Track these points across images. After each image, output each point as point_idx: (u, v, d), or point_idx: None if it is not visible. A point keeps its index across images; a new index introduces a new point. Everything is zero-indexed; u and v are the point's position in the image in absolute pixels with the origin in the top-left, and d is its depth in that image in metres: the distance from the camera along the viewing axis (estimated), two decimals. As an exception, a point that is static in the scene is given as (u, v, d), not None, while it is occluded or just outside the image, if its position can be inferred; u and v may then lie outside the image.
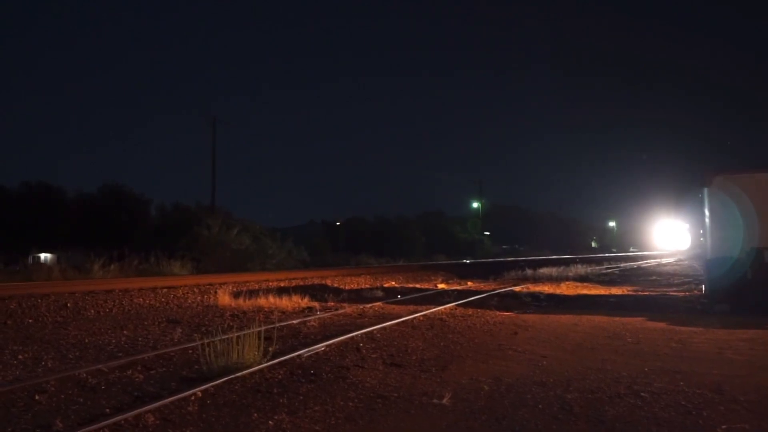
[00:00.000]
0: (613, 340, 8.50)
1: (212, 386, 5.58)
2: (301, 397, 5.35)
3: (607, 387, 5.66)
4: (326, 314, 11.32)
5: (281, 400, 5.26)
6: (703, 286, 13.85)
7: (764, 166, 12.06)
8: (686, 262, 36.73)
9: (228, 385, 5.68)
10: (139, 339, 8.61)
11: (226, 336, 6.64)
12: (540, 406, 5.03)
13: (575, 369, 6.49)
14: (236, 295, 14.17)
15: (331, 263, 36.82)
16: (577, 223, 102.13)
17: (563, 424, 4.56)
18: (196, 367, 6.41)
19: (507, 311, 12.14)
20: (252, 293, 14.31)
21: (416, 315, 11.02)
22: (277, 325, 9.14)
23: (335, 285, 19.45)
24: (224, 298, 13.58)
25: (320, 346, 7.67)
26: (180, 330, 9.46)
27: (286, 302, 12.99)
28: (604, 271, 29.17)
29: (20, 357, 7.18)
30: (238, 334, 6.54)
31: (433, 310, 11.93)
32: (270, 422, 4.65)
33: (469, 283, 21.43)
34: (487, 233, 70.84)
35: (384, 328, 9.45)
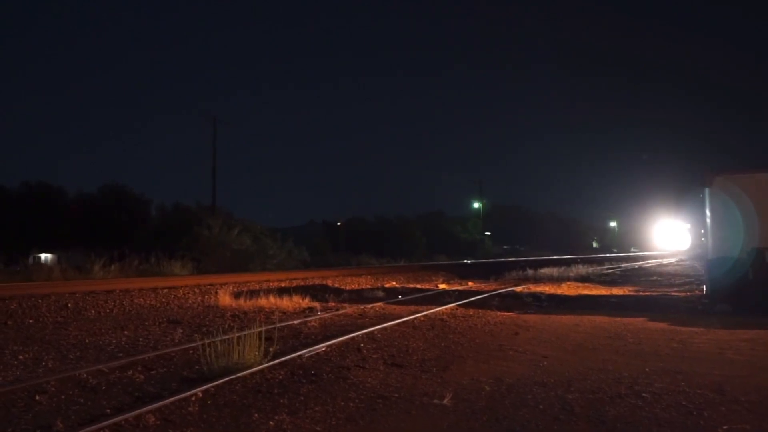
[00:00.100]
0: (614, 340, 8.49)
1: (213, 386, 5.58)
2: (302, 398, 5.35)
3: (608, 387, 5.66)
4: (327, 314, 11.31)
5: (282, 401, 5.25)
6: (704, 287, 13.84)
7: (765, 166, 12.05)
8: (687, 263, 36.72)
9: (229, 386, 5.68)
10: (140, 339, 8.60)
11: (227, 336, 6.64)
12: (541, 407, 5.02)
13: (576, 369, 6.49)
14: (237, 295, 14.17)
15: (332, 263, 36.82)
16: (578, 223, 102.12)
17: (564, 425, 4.56)
18: (197, 367, 6.40)
19: (508, 311, 12.13)
20: (253, 293, 14.30)
21: (417, 315, 11.01)
22: (278, 325, 9.14)
23: (336, 285, 19.45)
24: (225, 299, 13.58)
25: (321, 347, 7.67)
26: (181, 330, 9.46)
27: (286, 302, 12.99)
28: (605, 272, 29.15)
29: (21, 357, 7.18)
30: (239, 334, 6.54)
31: (434, 310, 11.92)
32: (271, 422, 4.64)
33: (470, 284, 21.42)
34: (488, 233, 70.84)
35: (385, 328, 9.45)
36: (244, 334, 6.51)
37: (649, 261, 46.43)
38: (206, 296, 14.76)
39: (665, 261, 45.01)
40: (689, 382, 5.85)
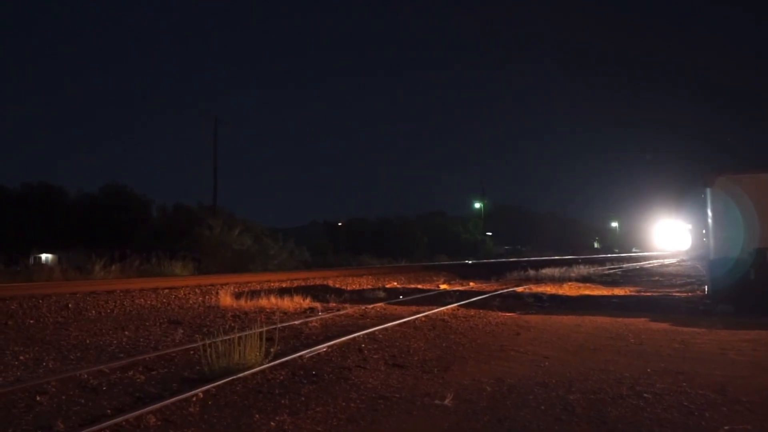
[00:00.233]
0: (615, 340, 8.48)
1: (214, 387, 5.57)
2: (303, 398, 5.34)
3: (610, 388, 5.65)
4: (328, 315, 11.30)
5: (283, 401, 5.24)
6: (706, 287, 13.83)
7: (766, 167, 12.04)
8: (689, 263, 36.69)
9: (229, 386, 5.68)
10: (141, 340, 8.60)
11: (228, 337, 6.64)
12: (542, 407, 5.01)
13: (578, 370, 6.47)
14: (238, 295, 14.17)
15: (333, 264, 36.81)
16: (579, 223, 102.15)
17: (565, 425, 4.55)
18: (198, 368, 6.40)
19: (509, 312, 12.12)
20: (254, 294, 14.30)
21: (418, 316, 11.01)
22: (279, 325, 9.13)
23: (337, 285, 19.44)
24: (226, 299, 13.58)
25: (322, 347, 7.66)
26: (181, 331, 9.46)
27: (287, 303, 12.98)
28: (607, 272, 29.13)
29: (21, 358, 7.18)
30: (240, 334, 6.53)
31: (435, 310, 11.91)
32: (272, 423, 4.64)
33: (472, 284, 21.41)
34: (489, 234, 70.83)
35: (386, 328, 9.44)
36: (245, 335, 6.50)
37: (651, 261, 46.39)
38: (207, 296, 14.76)
39: (666, 261, 44.97)
40: (691, 382, 5.84)
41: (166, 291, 14.95)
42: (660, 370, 6.45)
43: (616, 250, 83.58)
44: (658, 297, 15.83)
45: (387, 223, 59.59)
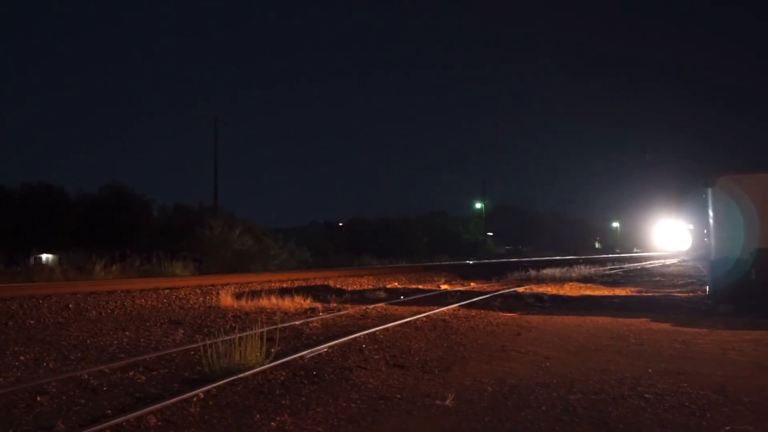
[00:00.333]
0: (616, 341, 8.47)
1: (214, 387, 5.57)
2: (304, 399, 5.34)
3: (611, 388, 5.64)
4: (329, 315, 11.30)
5: (284, 402, 5.24)
6: (707, 287, 13.82)
7: (767, 167, 12.03)
8: (690, 263, 36.64)
9: (230, 387, 5.67)
10: (141, 340, 8.60)
11: (229, 337, 6.64)
12: (543, 408, 5.01)
13: (579, 370, 6.47)
14: (238, 296, 14.17)
15: (334, 264, 36.79)
16: (580, 223, 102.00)
17: (567, 426, 4.54)
18: (198, 368, 6.40)
19: (510, 312, 12.11)
20: (254, 294, 14.30)
21: (419, 316, 11.00)
22: (280, 326, 9.12)
23: (338, 286, 19.44)
24: (226, 299, 13.57)
25: (323, 347, 7.66)
26: (182, 331, 9.45)
27: (288, 303, 12.98)
28: (608, 272, 29.13)
29: (22, 358, 7.17)
30: (241, 335, 6.53)
31: (436, 311, 11.90)
32: (272, 423, 4.63)
33: (472, 284, 21.40)
34: (490, 234, 70.82)
35: (387, 329, 9.43)
36: (246, 335, 6.50)
37: (652, 261, 46.37)
38: (208, 297, 14.76)
39: (668, 261, 44.93)
40: (692, 383, 5.83)
41: (167, 291, 14.95)
42: (661, 370, 6.45)
43: (618, 251, 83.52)
44: (660, 297, 15.81)
45: (387, 223, 59.54)
